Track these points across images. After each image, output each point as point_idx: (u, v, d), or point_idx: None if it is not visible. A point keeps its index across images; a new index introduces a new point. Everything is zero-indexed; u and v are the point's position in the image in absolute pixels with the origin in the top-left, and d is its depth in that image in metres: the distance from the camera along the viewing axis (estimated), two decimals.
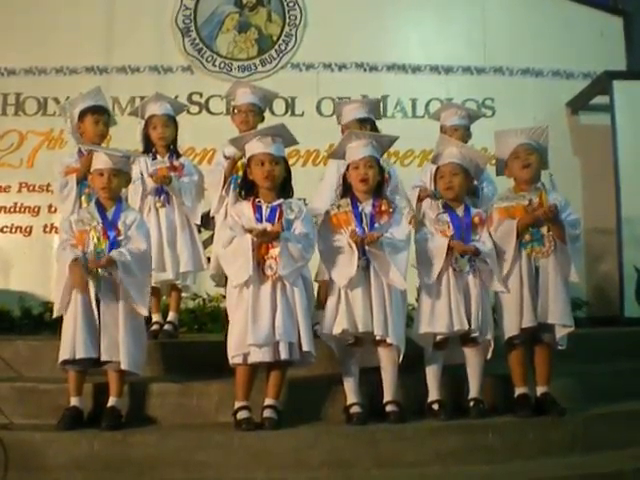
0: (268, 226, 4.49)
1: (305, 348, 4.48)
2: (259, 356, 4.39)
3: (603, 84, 7.98)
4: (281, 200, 4.64)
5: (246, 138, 4.81)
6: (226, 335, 4.59)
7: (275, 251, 4.45)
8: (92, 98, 5.79)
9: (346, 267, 4.55)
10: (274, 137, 4.69)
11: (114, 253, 4.51)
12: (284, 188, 4.72)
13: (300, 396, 4.74)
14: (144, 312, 4.64)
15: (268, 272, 4.45)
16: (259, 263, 4.45)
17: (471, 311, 4.63)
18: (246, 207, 4.64)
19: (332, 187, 5.44)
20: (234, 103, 5.96)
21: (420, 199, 5.68)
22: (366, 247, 4.54)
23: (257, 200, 4.63)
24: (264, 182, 4.61)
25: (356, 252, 4.52)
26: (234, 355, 4.43)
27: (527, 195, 4.83)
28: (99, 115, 5.67)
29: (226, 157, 5.65)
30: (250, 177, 4.69)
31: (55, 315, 4.63)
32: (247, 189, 4.74)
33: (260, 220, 4.54)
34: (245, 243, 4.44)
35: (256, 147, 4.66)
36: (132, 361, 4.50)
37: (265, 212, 4.58)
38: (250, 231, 4.43)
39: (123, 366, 4.47)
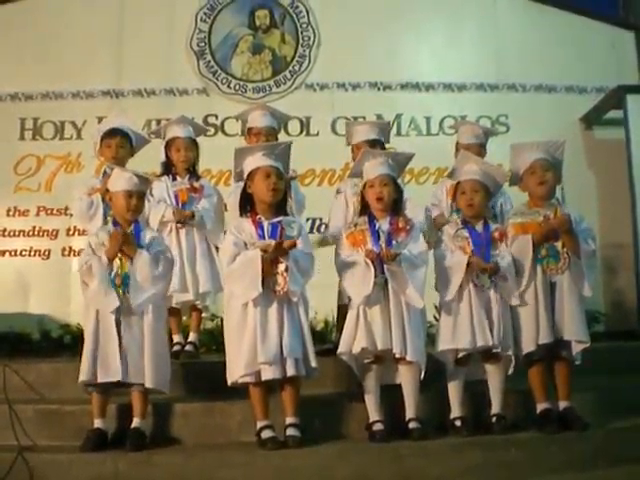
0: (285, 242, 4.47)
1: (313, 364, 4.53)
2: (270, 374, 4.40)
3: (616, 98, 8.00)
4: (281, 217, 4.65)
5: (251, 150, 4.83)
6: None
7: (282, 266, 4.45)
8: (111, 122, 5.88)
9: (362, 285, 4.55)
10: (278, 154, 4.74)
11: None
12: (281, 206, 4.73)
13: (322, 414, 4.75)
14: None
15: (277, 288, 4.44)
16: (263, 280, 4.42)
17: (493, 326, 4.63)
18: (246, 224, 4.62)
19: (343, 208, 5.53)
20: (250, 125, 5.98)
21: (437, 226, 5.58)
22: (385, 265, 4.55)
23: (258, 217, 4.63)
24: (268, 195, 4.61)
25: (372, 269, 4.51)
26: (244, 374, 4.43)
27: (542, 211, 4.83)
28: (111, 139, 5.69)
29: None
30: (249, 191, 4.68)
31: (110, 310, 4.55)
32: (246, 204, 4.72)
33: (262, 237, 4.55)
34: (254, 259, 4.41)
35: (262, 160, 4.67)
36: (157, 379, 4.53)
37: (267, 229, 4.58)
38: (264, 250, 4.42)
39: (148, 384, 4.49)
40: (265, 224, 4.59)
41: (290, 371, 4.42)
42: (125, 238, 4.59)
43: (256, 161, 4.68)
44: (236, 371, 4.46)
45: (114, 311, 4.52)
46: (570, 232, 4.70)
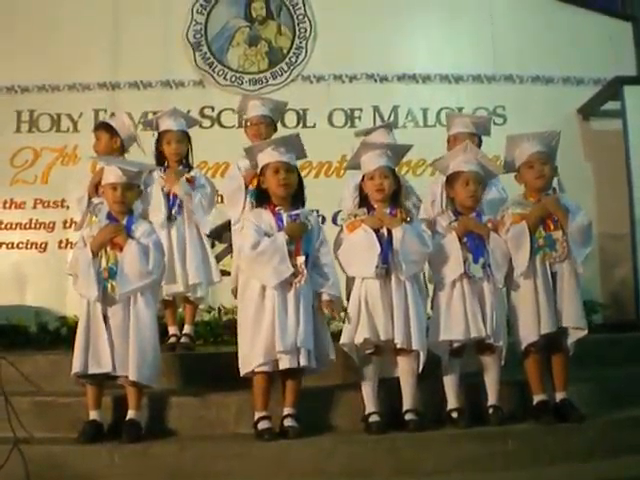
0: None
1: (332, 356, 4.58)
2: (287, 363, 4.41)
3: (613, 89, 7.96)
4: (299, 210, 4.68)
5: (260, 147, 4.84)
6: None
7: (300, 259, 4.50)
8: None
9: (368, 259, 4.56)
10: (287, 146, 4.73)
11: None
12: (297, 197, 4.75)
13: (318, 405, 4.76)
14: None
15: (294, 280, 4.47)
16: None
17: (486, 317, 4.63)
18: (265, 214, 4.65)
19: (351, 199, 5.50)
20: (246, 116, 6.00)
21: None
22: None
23: (277, 208, 4.65)
24: (279, 190, 4.63)
25: (376, 241, 4.55)
26: (262, 363, 4.43)
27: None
28: (100, 132, 5.93)
29: (240, 169, 5.70)
30: (263, 186, 4.71)
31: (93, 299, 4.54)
32: (261, 198, 4.75)
33: (281, 229, 4.56)
34: (280, 242, 4.47)
35: (270, 156, 4.68)
36: (140, 373, 4.49)
37: (286, 221, 4.60)
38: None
39: (131, 377, 4.48)
40: (284, 216, 4.62)
41: (302, 362, 4.43)
42: (116, 231, 4.61)
43: (266, 157, 4.71)
44: (252, 360, 4.46)
45: (101, 302, 4.53)
46: (560, 209, 4.74)
